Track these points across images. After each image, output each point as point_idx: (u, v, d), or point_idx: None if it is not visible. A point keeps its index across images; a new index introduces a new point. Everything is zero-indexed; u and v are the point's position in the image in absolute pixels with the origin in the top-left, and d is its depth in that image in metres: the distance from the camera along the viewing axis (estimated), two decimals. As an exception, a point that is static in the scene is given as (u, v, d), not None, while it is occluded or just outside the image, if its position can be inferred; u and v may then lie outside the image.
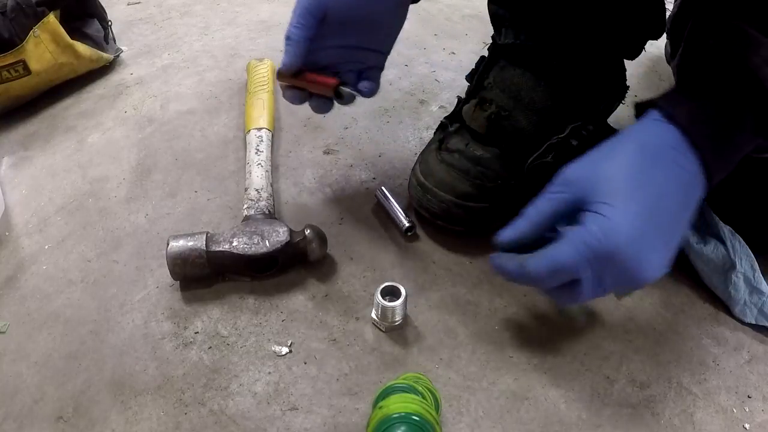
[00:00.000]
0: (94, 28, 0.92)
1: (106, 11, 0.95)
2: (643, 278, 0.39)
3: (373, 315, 0.52)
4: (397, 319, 0.51)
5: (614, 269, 0.39)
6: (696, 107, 0.40)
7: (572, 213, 0.42)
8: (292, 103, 0.57)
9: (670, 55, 0.68)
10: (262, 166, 0.66)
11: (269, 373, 0.49)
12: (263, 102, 0.76)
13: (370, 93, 0.57)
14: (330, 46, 0.54)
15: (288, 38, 0.52)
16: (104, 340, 0.52)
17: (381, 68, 0.59)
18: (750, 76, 0.38)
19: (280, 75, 0.56)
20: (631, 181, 0.39)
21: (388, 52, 0.58)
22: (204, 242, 0.54)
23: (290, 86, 0.56)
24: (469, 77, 0.66)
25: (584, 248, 0.38)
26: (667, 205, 0.39)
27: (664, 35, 0.64)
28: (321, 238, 0.56)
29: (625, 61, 0.63)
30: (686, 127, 0.39)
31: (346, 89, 0.54)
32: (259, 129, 0.72)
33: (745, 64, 0.37)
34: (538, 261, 0.41)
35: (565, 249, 0.39)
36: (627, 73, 0.64)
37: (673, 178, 0.39)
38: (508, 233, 0.45)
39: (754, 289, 0.52)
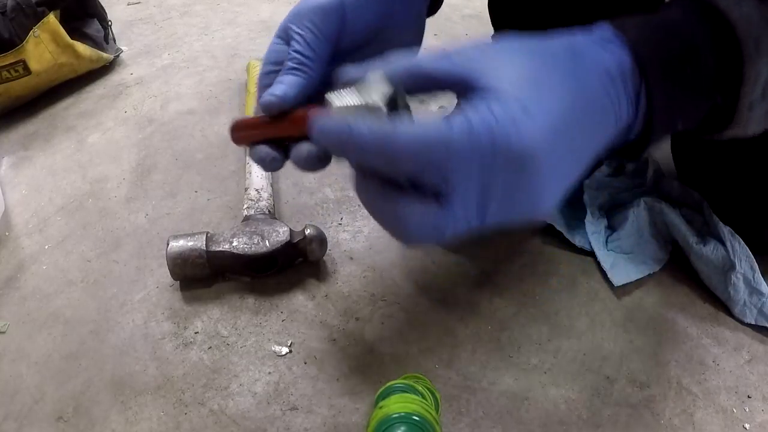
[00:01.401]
0: (94, 28, 0.92)
1: (106, 11, 0.95)
2: (542, 202, 0.29)
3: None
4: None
5: (510, 180, 0.28)
6: (652, 33, 0.32)
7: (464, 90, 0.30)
8: (271, 169, 0.38)
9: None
10: (262, 166, 0.66)
11: (269, 373, 0.49)
12: (263, 102, 0.76)
13: None
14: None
15: (293, 68, 0.36)
16: (104, 340, 0.52)
17: None
18: (715, 14, 0.31)
19: (239, 127, 0.38)
20: (557, 81, 0.29)
21: None
22: (204, 242, 0.54)
23: (260, 141, 0.37)
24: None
25: (484, 133, 0.26)
26: (586, 122, 0.30)
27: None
28: (321, 238, 0.56)
29: None
30: (635, 45, 0.31)
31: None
32: (259, 129, 0.72)
33: (710, 2, 0.31)
34: (405, 129, 0.27)
35: (457, 126, 0.27)
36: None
37: (601, 96, 0.30)
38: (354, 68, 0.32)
39: (753, 290, 0.52)
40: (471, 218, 0.29)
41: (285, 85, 0.36)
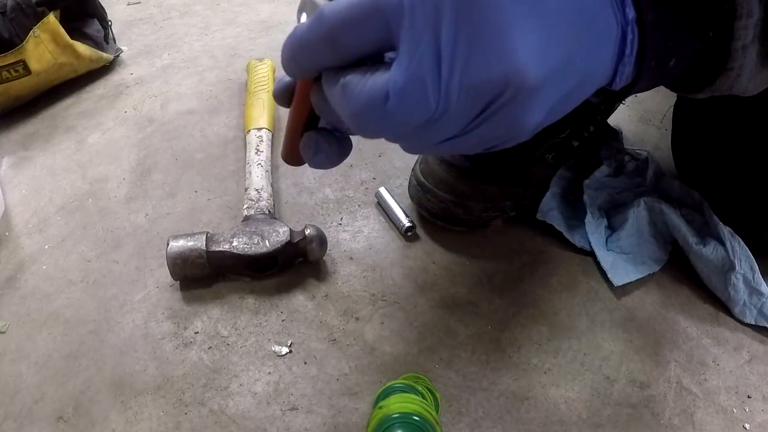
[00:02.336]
0: (94, 28, 0.92)
1: (106, 11, 0.95)
2: (517, 58, 0.22)
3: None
4: None
5: (472, 31, 0.22)
6: None
7: None
8: (323, 167, 0.33)
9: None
10: (262, 166, 0.66)
11: (269, 373, 0.49)
12: (263, 102, 0.76)
13: None
14: None
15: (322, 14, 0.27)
16: (104, 340, 0.52)
17: None
18: None
19: (287, 150, 0.35)
20: None
21: None
22: (204, 242, 0.54)
23: (303, 127, 0.33)
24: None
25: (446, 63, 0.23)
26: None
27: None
28: (321, 238, 0.56)
29: None
30: None
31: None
32: (259, 129, 0.72)
33: None
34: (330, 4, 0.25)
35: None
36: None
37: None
38: None
39: (753, 291, 0.52)
40: (427, 78, 0.23)
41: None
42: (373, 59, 0.27)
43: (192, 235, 0.55)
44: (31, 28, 0.79)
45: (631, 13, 0.27)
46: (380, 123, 0.26)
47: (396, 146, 0.32)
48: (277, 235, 0.55)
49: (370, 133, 0.27)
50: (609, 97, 0.32)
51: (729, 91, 0.32)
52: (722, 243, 0.53)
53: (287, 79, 0.32)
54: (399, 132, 0.27)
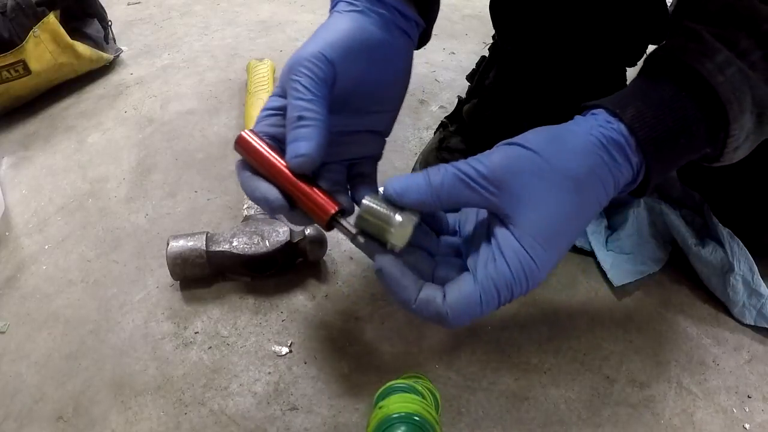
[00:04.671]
0: (94, 28, 0.92)
1: (106, 11, 0.95)
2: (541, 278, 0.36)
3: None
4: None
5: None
6: (644, 109, 0.36)
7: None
8: (272, 213, 0.42)
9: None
10: (262, 166, 0.66)
11: (269, 373, 0.49)
12: (263, 102, 0.76)
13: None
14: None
15: (301, 117, 0.36)
16: (104, 340, 0.52)
17: (378, 159, 0.46)
18: (702, 82, 0.35)
19: (245, 149, 0.39)
20: (560, 216, 0.35)
21: (388, 134, 0.46)
22: (204, 242, 0.54)
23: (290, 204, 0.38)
24: (470, 77, 0.66)
25: (506, 292, 0.35)
26: (581, 226, 0.37)
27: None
28: (321, 238, 0.56)
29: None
30: (631, 127, 0.36)
31: (345, 223, 0.37)
32: (259, 129, 0.71)
33: (697, 70, 0.35)
34: (454, 299, 0.35)
35: (488, 291, 0.34)
36: (627, 79, 0.64)
37: (599, 194, 0.36)
38: (408, 189, 0.36)
39: (753, 292, 0.52)
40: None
41: (305, 141, 0.36)
42: None
43: (192, 235, 0.55)
44: (31, 28, 0.79)
45: (641, 169, 0.37)
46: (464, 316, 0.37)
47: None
48: (277, 235, 0.55)
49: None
50: None
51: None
52: (721, 244, 0.53)
53: (313, 155, 0.37)
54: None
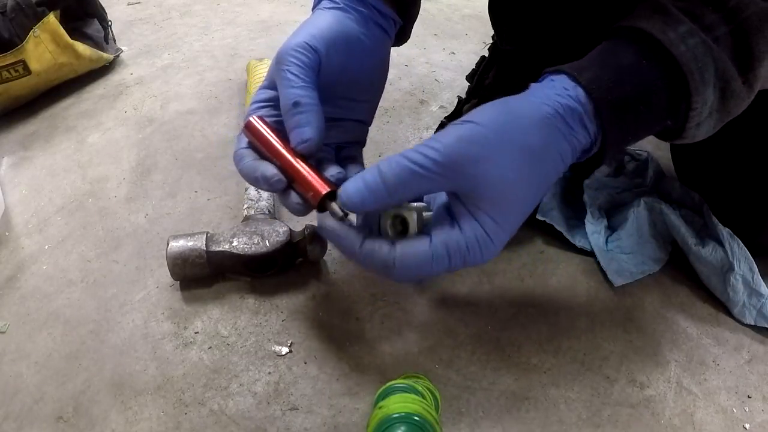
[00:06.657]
0: (94, 28, 0.92)
1: (106, 11, 0.95)
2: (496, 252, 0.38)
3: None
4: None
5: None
6: (601, 73, 0.36)
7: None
8: (299, 215, 0.42)
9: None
10: (262, 166, 0.66)
11: (269, 373, 0.49)
12: (263, 102, 0.76)
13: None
14: None
15: (297, 104, 0.39)
16: (104, 340, 0.52)
17: (363, 144, 0.50)
18: (663, 51, 0.34)
19: (254, 133, 0.42)
20: (515, 191, 0.36)
21: (370, 123, 0.50)
22: (204, 242, 0.54)
23: (288, 187, 0.41)
24: (470, 77, 0.66)
25: (458, 259, 0.36)
26: (538, 197, 0.38)
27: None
28: (321, 238, 0.56)
29: None
30: (588, 89, 0.35)
31: (336, 206, 0.38)
32: (259, 129, 0.72)
33: (659, 40, 0.35)
34: (404, 251, 0.36)
35: (440, 254, 0.36)
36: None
37: (557, 164, 0.37)
38: (355, 194, 0.36)
39: (753, 291, 0.52)
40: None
41: (307, 127, 0.39)
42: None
43: (192, 235, 0.55)
44: (31, 28, 0.79)
45: (598, 135, 0.37)
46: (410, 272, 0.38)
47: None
48: (277, 235, 0.55)
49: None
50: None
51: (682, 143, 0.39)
52: (721, 244, 0.53)
53: (316, 140, 0.40)
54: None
